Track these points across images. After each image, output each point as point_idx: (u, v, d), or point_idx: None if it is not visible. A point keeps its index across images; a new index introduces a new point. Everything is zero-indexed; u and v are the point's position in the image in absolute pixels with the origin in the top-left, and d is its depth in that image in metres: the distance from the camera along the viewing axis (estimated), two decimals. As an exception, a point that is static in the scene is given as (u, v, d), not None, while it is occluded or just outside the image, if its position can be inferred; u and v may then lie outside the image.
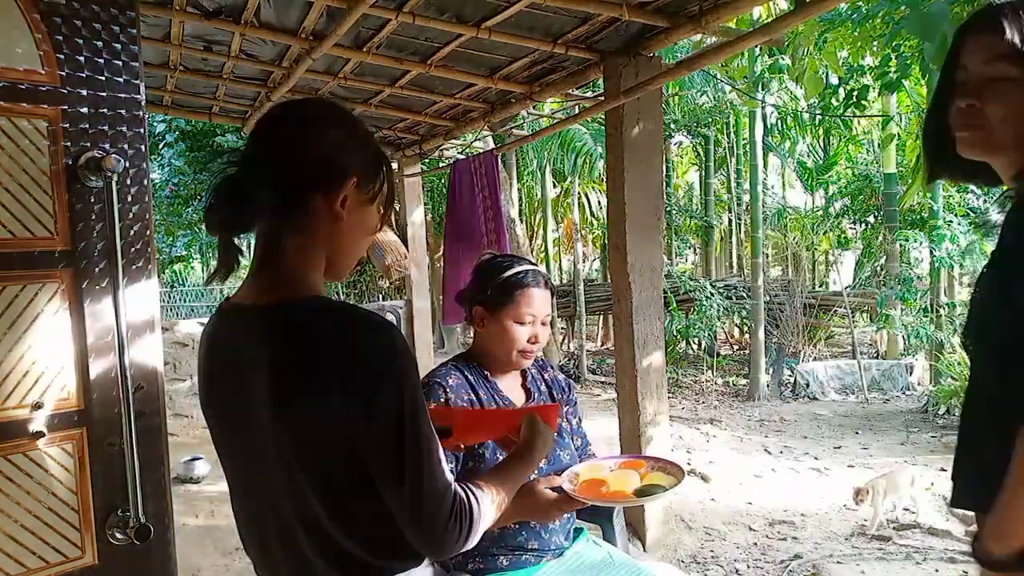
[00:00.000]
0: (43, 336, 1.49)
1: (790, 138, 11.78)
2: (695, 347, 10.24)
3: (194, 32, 3.38)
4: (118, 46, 1.56)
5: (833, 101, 6.02)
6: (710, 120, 10.73)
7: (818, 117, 9.70)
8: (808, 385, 7.74)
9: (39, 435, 1.48)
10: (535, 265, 1.74)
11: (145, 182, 1.62)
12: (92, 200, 1.53)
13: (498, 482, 1.12)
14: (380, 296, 9.77)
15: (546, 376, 1.84)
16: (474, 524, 1.01)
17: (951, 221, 7.45)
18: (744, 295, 8.69)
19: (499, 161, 4.80)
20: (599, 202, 11.83)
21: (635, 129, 3.25)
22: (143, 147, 1.61)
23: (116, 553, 1.56)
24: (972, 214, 7.92)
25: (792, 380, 7.92)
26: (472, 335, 1.77)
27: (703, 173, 12.93)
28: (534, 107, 4.53)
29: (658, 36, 3.03)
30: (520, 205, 11.08)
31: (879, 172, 9.04)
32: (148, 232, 1.62)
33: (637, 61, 3.16)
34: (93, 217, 1.53)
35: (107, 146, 1.55)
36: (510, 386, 1.74)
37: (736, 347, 10.85)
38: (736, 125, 11.23)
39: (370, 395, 0.93)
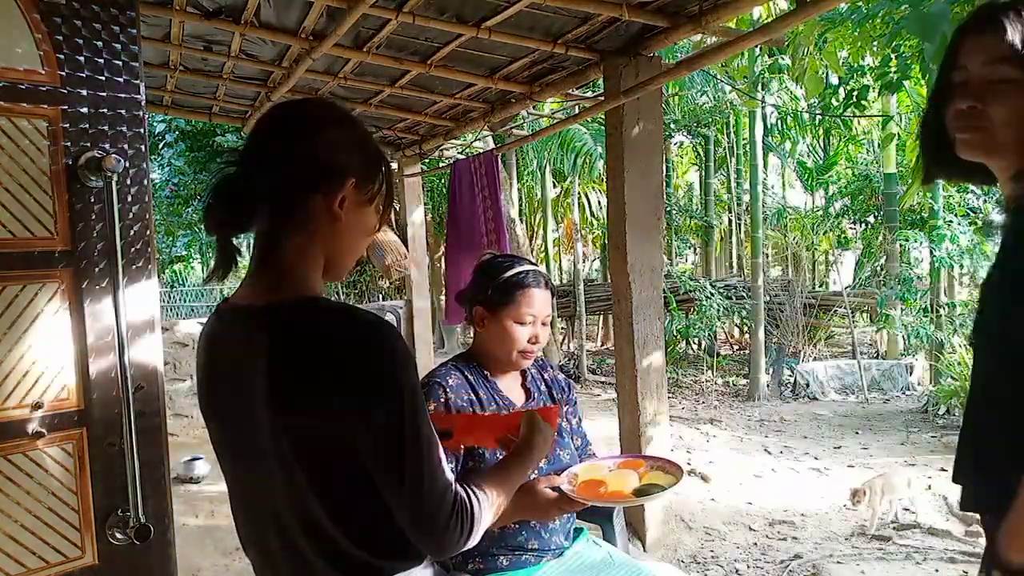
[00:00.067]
0: (43, 336, 1.49)
1: (790, 138, 11.78)
2: (695, 347, 10.24)
3: (194, 32, 3.38)
4: (118, 46, 1.56)
5: (833, 101, 6.02)
6: (710, 120, 10.73)
7: (818, 117, 9.70)
8: (808, 385, 7.74)
9: (39, 435, 1.48)
10: (535, 265, 1.74)
11: (145, 182, 1.62)
12: (92, 200, 1.53)
13: (498, 481, 1.12)
14: (380, 296, 9.77)
15: (546, 376, 1.84)
16: (475, 523, 1.01)
17: (951, 221, 7.45)
18: (744, 295, 8.69)
19: (499, 161, 4.80)
20: (599, 202, 11.84)
21: (635, 129, 3.25)
22: (143, 147, 1.61)
23: (116, 553, 1.56)
24: (972, 214, 7.92)
25: (792, 380, 7.92)
26: (472, 335, 1.77)
27: (703, 173, 12.93)
28: (534, 107, 4.53)
29: (658, 36, 3.03)
30: (520, 205, 11.08)
31: (879, 172, 9.04)
32: (148, 232, 1.62)
33: (637, 61, 3.16)
34: (93, 217, 1.53)
35: (107, 146, 1.55)
36: (510, 386, 1.74)
37: (736, 347, 10.85)
38: (736, 125, 11.23)
39: (369, 395, 0.93)
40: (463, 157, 5.31)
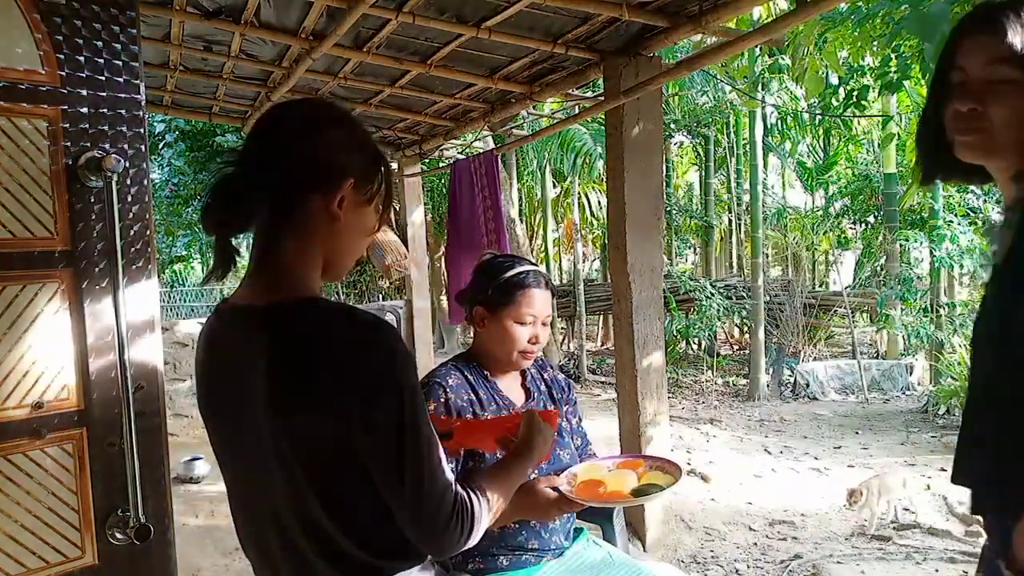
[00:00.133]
0: (43, 336, 1.49)
1: (790, 138, 11.78)
2: (695, 347, 10.25)
3: (194, 32, 3.38)
4: (118, 46, 1.56)
5: (833, 101, 6.02)
6: (710, 120, 10.73)
7: (818, 117, 9.70)
8: (808, 385, 7.74)
9: (39, 435, 1.48)
10: (536, 265, 1.74)
11: (145, 182, 1.61)
12: (92, 200, 1.53)
13: (498, 481, 1.12)
14: (380, 296, 9.77)
15: (546, 376, 1.84)
16: (475, 523, 1.01)
17: (951, 221, 7.45)
18: (744, 295, 8.69)
19: (499, 161, 4.80)
20: (599, 202, 11.84)
21: (635, 129, 3.25)
22: (143, 147, 1.61)
23: (116, 553, 1.56)
24: (972, 214, 7.92)
25: (792, 380, 7.92)
26: (472, 335, 1.77)
27: (703, 173, 12.93)
28: (534, 107, 4.53)
29: (658, 36, 3.03)
30: (520, 205, 11.08)
31: (879, 172, 9.04)
32: (148, 232, 1.62)
33: (637, 61, 3.16)
34: (93, 217, 1.53)
35: (107, 146, 1.55)
36: (510, 386, 1.74)
37: (736, 347, 10.85)
38: (736, 125, 11.23)
39: (369, 396, 0.93)
40: (463, 157, 5.31)
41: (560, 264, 14.82)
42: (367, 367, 0.94)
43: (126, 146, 1.58)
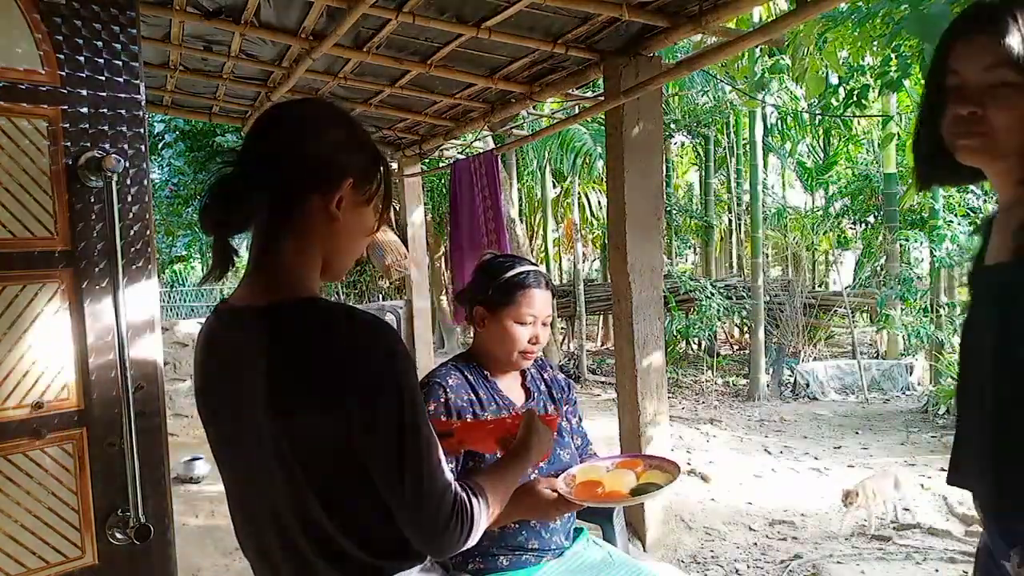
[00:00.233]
0: (43, 336, 1.49)
1: (790, 138, 11.78)
2: (695, 347, 10.24)
3: (194, 32, 3.38)
4: (118, 46, 1.56)
5: (833, 101, 6.02)
6: (710, 120, 10.73)
7: (818, 117, 9.70)
8: (808, 385, 7.74)
9: (39, 435, 1.48)
10: (536, 265, 1.74)
11: (145, 182, 1.61)
12: (92, 200, 1.53)
13: (496, 482, 1.12)
14: (380, 296, 9.77)
15: (546, 376, 1.84)
16: (474, 523, 1.01)
17: (951, 221, 7.45)
18: (744, 295, 8.69)
19: (499, 161, 4.80)
20: (599, 202, 11.84)
21: (635, 129, 3.25)
22: (143, 147, 1.61)
23: (116, 553, 1.56)
24: (972, 214, 7.92)
25: (792, 380, 7.92)
26: (472, 335, 1.77)
27: (703, 173, 12.93)
28: (534, 107, 4.53)
29: (658, 36, 3.03)
30: (520, 205, 11.08)
31: (879, 172, 9.04)
32: (148, 232, 1.62)
33: (637, 61, 3.16)
34: (93, 217, 1.53)
35: (107, 146, 1.54)
36: (510, 386, 1.74)
37: (736, 347, 10.85)
38: (736, 125, 11.23)
39: (369, 396, 0.93)
40: (463, 157, 5.31)
41: (560, 264, 14.82)
42: (367, 367, 0.94)
43: (126, 146, 1.58)
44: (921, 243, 8.44)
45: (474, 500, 1.02)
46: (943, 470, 4.61)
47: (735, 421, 6.76)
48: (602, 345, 11.56)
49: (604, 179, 4.62)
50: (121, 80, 1.56)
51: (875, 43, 4.17)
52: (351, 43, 3.38)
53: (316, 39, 3.24)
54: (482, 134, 6.37)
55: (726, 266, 13.43)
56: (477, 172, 4.73)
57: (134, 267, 1.59)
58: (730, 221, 13.02)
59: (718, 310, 8.62)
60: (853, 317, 8.92)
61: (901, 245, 8.47)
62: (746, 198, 10.44)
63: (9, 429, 1.45)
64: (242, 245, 1.46)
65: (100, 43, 1.54)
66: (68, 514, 1.51)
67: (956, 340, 7.30)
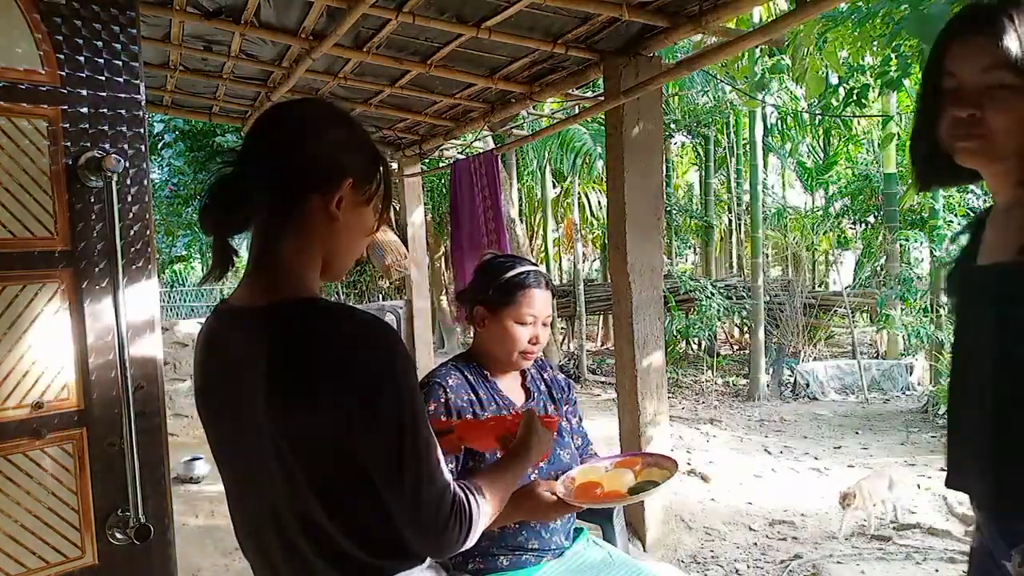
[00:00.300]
0: (43, 336, 1.49)
1: (790, 138, 11.78)
2: (695, 347, 10.24)
3: (194, 32, 3.38)
4: (118, 46, 1.56)
5: (833, 101, 6.02)
6: (710, 120, 10.73)
7: (818, 117, 9.70)
8: (808, 385, 7.74)
9: (39, 435, 1.48)
10: (536, 266, 1.74)
11: (145, 182, 1.61)
12: (92, 200, 1.53)
13: (495, 483, 1.12)
14: (380, 296, 9.77)
15: (546, 376, 1.84)
16: (473, 524, 1.01)
17: (951, 221, 7.44)
18: (744, 295, 8.69)
19: (499, 161, 4.80)
20: (599, 202, 11.84)
21: (635, 129, 3.25)
22: (143, 147, 1.61)
23: (116, 553, 1.56)
24: (972, 214, 7.91)
25: (792, 380, 7.92)
26: (472, 335, 1.77)
27: (703, 173, 12.94)
28: (534, 107, 4.53)
29: (658, 36, 3.03)
30: (520, 205, 11.08)
31: (879, 172, 9.04)
32: (148, 232, 1.62)
33: (637, 61, 3.16)
34: (93, 217, 1.53)
35: (107, 146, 1.54)
36: (510, 386, 1.74)
37: (736, 347, 10.85)
38: (736, 125, 11.23)
39: (368, 396, 0.93)
40: (463, 157, 5.31)
41: (560, 264, 14.82)
42: (367, 367, 0.94)
43: (126, 146, 1.58)
44: (921, 243, 8.44)
45: (473, 501, 1.02)
46: (943, 470, 4.62)
47: (735, 421, 6.76)
48: (602, 345, 11.56)
49: (604, 179, 4.63)
50: (121, 80, 1.56)
51: (875, 43, 4.17)
52: (351, 43, 3.38)
53: (316, 39, 3.24)
54: (482, 134, 6.37)
55: (726, 266, 13.43)
56: (477, 172, 4.73)
57: (134, 267, 1.59)
58: (730, 221, 13.02)
59: (718, 310, 8.62)
60: (853, 317, 8.92)
61: (901, 245, 8.46)
62: (746, 198, 10.44)
63: (9, 429, 1.45)
64: (242, 245, 1.46)
65: (100, 43, 1.54)
66: (68, 514, 1.51)
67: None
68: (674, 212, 12.25)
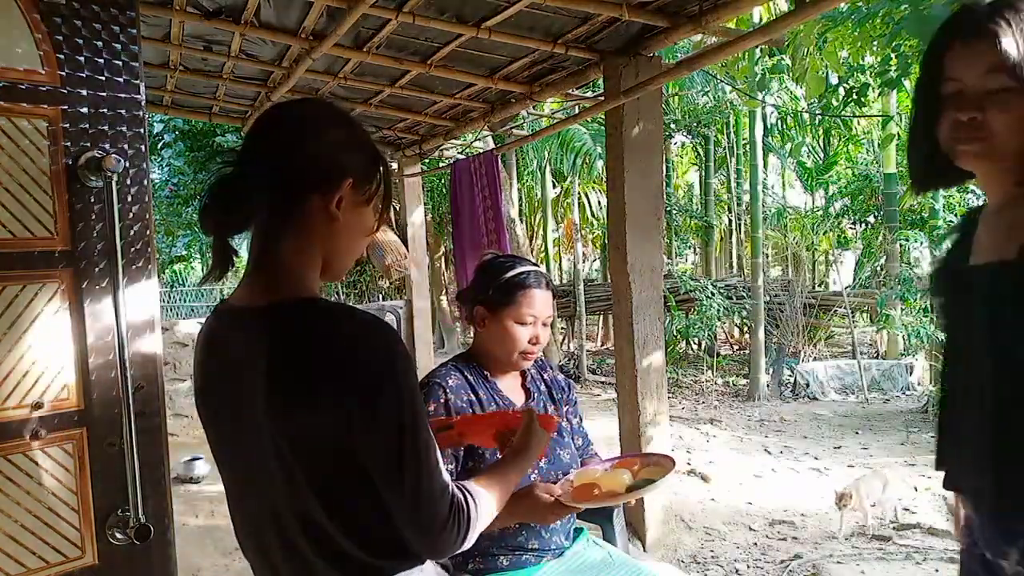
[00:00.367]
0: (43, 336, 1.49)
1: (791, 138, 11.77)
2: (695, 347, 10.24)
3: (194, 32, 3.38)
4: (118, 46, 1.56)
5: (833, 101, 6.02)
6: (710, 120, 10.73)
7: (818, 117, 9.70)
8: (808, 385, 7.74)
9: (39, 435, 1.48)
10: (536, 266, 1.74)
11: (145, 182, 1.61)
12: (92, 200, 1.53)
13: (494, 484, 1.12)
14: (380, 296, 9.77)
15: (546, 376, 1.84)
16: (471, 525, 1.01)
17: (951, 221, 7.44)
18: (744, 295, 8.69)
19: (499, 161, 4.80)
20: (599, 202, 11.84)
21: (635, 129, 3.25)
22: (143, 147, 1.61)
23: (116, 553, 1.56)
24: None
25: (792, 380, 7.92)
26: (472, 335, 1.77)
27: (703, 173, 12.94)
28: (534, 107, 4.53)
29: (658, 36, 3.03)
30: (520, 205, 11.08)
31: (879, 172, 9.04)
32: (148, 232, 1.62)
33: (637, 61, 3.16)
34: (93, 217, 1.53)
35: (107, 146, 1.54)
36: (510, 386, 1.74)
37: (736, 347, 10.85)
38: (736, 125, 11.23)
39: (368, 396, 0.93)
40: (463, 157, 5.31)
41: (560, 264, 14.82)
42: (367, 367, 0.94)
43: (126, 146, 1.58)
44: (921, 243, 8.44)
45: (471, 502, 1.02)
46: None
47: (735, 421, 6.76)
48: (602, 345, 11.56)
49: (604, 179, 4.63)
50: (121, 80, 1.56)
51: (875, 43, 4.17)
52: (351, 43, 3.38)
53: (316, 39, 3.24)
54: (482, 134, 6.37)
55: (726, 266, 13.43)
56: (477, 172, 4.74)
57: (134, 267, 1.59)
58: (730, 221, 13.02)
59: (718, 310, 8.62)
60: (853, 317, 8.92)
61: (901, 245, 8.46)
62: (746, 198, 10.44)
63: (9, 429, 1.45)
64: (242, 245, 1.46)
65: (100, 43, 1.54)
66: (68, 514, 1.51)
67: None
68: (674, 212, 12.25)
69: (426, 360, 5.92)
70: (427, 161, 6.66)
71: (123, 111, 1.57)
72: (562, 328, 10.68)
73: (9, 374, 1.45)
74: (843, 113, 7.60)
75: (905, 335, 7.95)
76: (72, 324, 1.52)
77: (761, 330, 8.00)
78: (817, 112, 8.87)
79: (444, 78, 3.84)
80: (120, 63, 1.56)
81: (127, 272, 1.57)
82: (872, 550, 3.55)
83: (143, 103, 1.60)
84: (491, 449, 1.56)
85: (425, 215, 7.32)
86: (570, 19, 2.98)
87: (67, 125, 1.50)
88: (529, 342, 1.66)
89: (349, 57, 3.55)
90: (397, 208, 6.43)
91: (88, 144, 1.52)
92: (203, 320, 1.24)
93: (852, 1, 3.95)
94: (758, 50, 6.52)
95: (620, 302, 3.40)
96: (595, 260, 14.99)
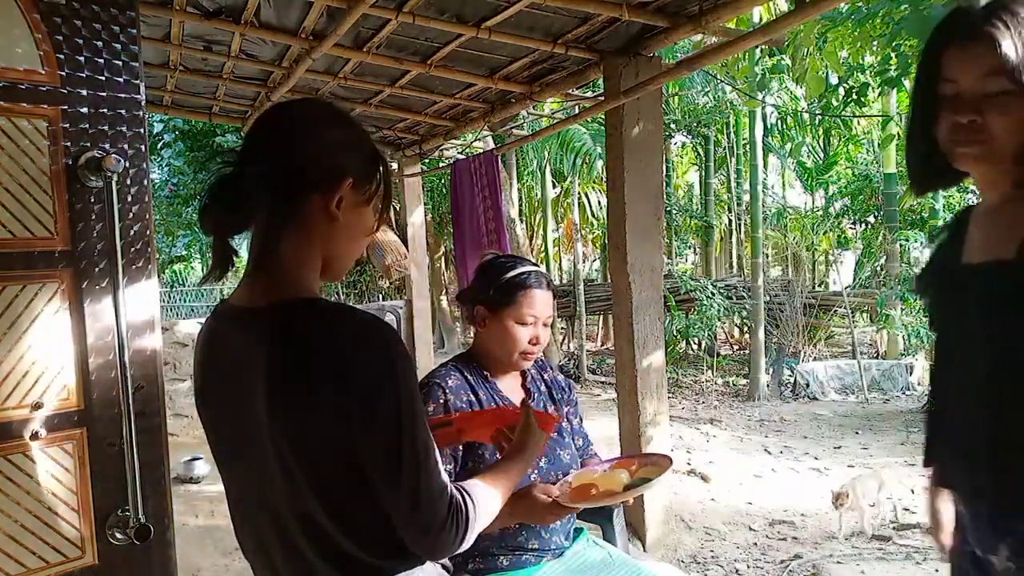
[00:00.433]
0: (43, 336, 1.49)
1: (791, 138, 11.78)
2: (695, 347, 10.24)
3: (194, 32, 3.38)
4: (118, 46, 1.56)
5: (833, 101, 6.02)
6: (710, 120, 10.73)
7: (818, 117, 9.70)
8: (808, 385, 7.74)
9: (39, 435, 1.48)
10: (537, 266, 1.74)
11: (145, 182, 1.61)
12: (92, 200, 1.53)
13: (493, 485, 1.12)
14: (380, 296, 9.77)
15: (546, 376, 1.84)
16: (470, 525, 1.01)
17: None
18: (744, 295, 8.69)
19: (499, 161, 4.80)
20: (599, 202, 11.83)
21: (635, 129, 3.25)
22: (143, 147, 1.61)
23: (116, 553, 1.56)
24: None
25: (792, 380, 7.92)
26: (472, 335, 1.77)
27: (703, 173, 12.94)
28: (534, 107, 4.53)
29: (658, 36, 3.03)
30: (520, 205, 11.08)
31: (879, 172, 9.04)
32: (148, 232, 1.62)
33: (637, 61, 3.16)
34: (93, 217, 1.53)
35: (107, 146, 1.54)
36: (510, 387, 1.74)
37: (736, 347, 10.85)
38: (736, 125, 11.23)
39: (368, 396, 0.93)
40: (463, 157, 5.31)
41: (560, 264, 14.82)
42: (367, 368, 0.94)
43: (126, 146, 1.58)
44: (921, 243, 8.43)
45: (470, 503, 1.02)
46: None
47: (735, 421, 6.76)
48: (602, 345, 11.56)
49: (604, 179, 4.63)
50: (121, 80, 1.57)
51: (875, 43, 4.17)
52: (351, 43, 3.38)
53: (316, 39, 3.24)
54: (482, 134, 6.36)
55: (726, 266, 13.43)
56: (477, 172, 4.74)
57: (134, 267, 1.59)
58: (730, 221, 13.02)
59: (718, 310, 8.62)
60: (853, 317, 8.92)
61: (901, 245, 8.46)
62: (746, 198, 10.44)
63: (9, 429, 1.45)
64: (242, 245, 1.46)
65: (100, 43, 1.54)
66: (68, 514, 1.52)
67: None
68: (674, 212, 12.25)
69: (426, 360, 5.92)
70: (427, 161, 6.66)
71: (123, 111, 1.57)
72: (562, 328, 10.68)
73: (9, 374, 1.45)
74: (843, 113, 7.61)
75: (905, 335, 7.96)
76: (72, 324, 1.52)
77: (761, 330, 8.00)
78: (817, 112, 8.87)
79: (444, 78, 3.84)
80: (120, 63, 1.56)
81: (127, 272, 1.57)
82: (872, 550, 3.54)
83: (143, 103, 1.60)
84: (491, 448, 1.56)
85: (425, 215, 7.33)
86: (570, 19, 2.98)
87: (67, 125, 1.50)
88: (529, 342, 1.66)
89: (349, 57, 3.55)
90: (397, 208, 6.44)
91: (88, 144, 1.52)
92: (203, 320, 1.24)
93: (852, 1, 3.95)
94: (758, 50, 6.52)
95: (620, 302, 3.40)
96: (595, 260, 14.99)
